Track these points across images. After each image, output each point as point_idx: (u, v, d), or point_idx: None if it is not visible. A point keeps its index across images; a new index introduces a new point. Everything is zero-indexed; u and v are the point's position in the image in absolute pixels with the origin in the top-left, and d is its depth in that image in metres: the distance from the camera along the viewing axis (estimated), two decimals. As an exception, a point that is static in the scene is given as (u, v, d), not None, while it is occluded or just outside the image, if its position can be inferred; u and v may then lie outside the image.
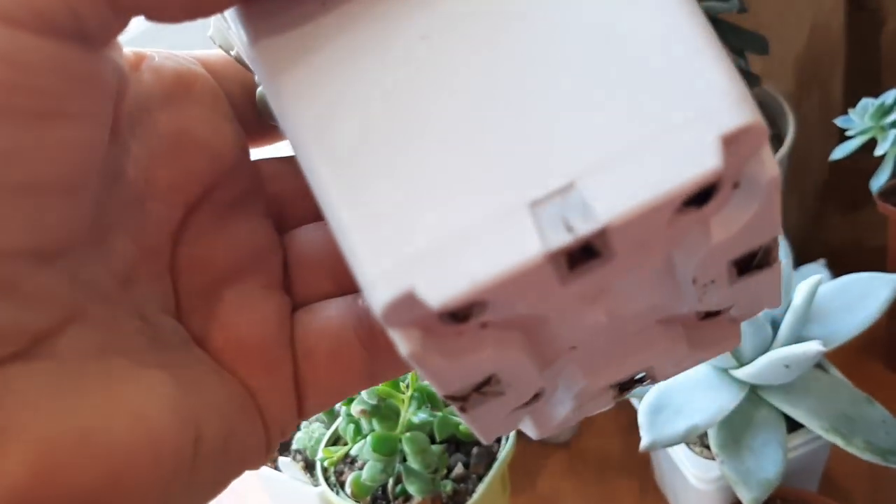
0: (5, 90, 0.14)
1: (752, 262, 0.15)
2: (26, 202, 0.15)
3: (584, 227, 0.13)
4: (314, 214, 0.20)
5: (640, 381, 0.18)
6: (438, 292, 0.13)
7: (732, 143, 0.13)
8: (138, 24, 0.16)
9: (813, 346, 0.42)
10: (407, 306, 0.13)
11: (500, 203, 0.13)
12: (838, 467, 0.53)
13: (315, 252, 0.20)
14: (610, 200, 0.13)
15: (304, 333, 0.20)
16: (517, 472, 0.60)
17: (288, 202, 0.21)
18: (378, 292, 0.13)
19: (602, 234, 0.13)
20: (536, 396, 0.17)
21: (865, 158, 0.54)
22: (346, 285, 0.20)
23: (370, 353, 0.19)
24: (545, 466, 0.61)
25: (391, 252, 0.13)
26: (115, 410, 0.16)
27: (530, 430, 0.18)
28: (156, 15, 0.15)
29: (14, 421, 0.14)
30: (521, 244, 0.13)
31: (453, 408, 0.16)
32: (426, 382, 0.45)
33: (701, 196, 0.13)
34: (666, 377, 0.18)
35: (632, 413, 0.60)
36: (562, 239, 0.13)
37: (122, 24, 0.15)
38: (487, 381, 0.15)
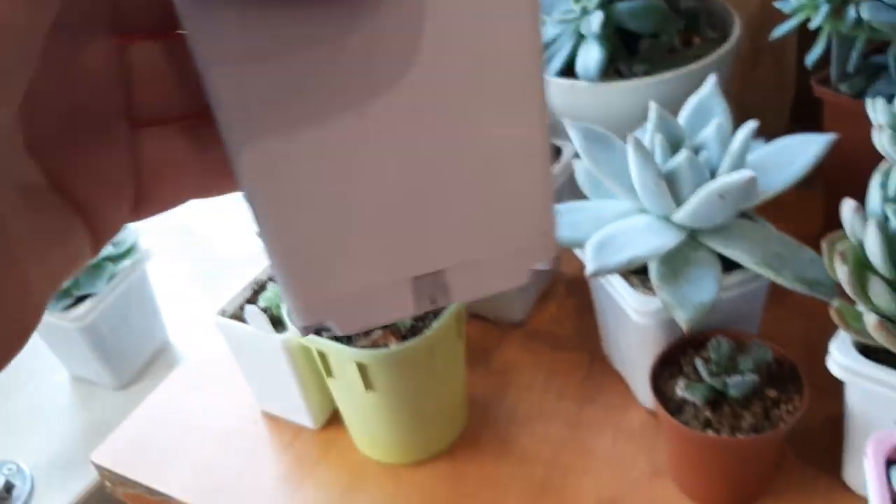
0: None
1: None
2: None
3: (442, 301, 0.21)
4: (153, 24, 0.22)
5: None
6: (341, 327, 0.20)
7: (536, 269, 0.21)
8: None
9: (745, 174, 0.46)
10: (315, 327, 0.20)
11: (394, 274, 0.20)
12: (773, 321, 0.56)
13: (158, 72, 0.22)
14: (460, 288, 0.21)
15: (149, 150, 0.21)
16: (474, 351, 0.62)
17: (128, 13, 0.22)
18: (300, 320, 0.20)
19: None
20: None
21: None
22: (185, 103, 0.22)
23: (203, 171, 0.22)
24: (500, 345, 0.63)
25: (313, 294, 0.20)
26: None
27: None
28: None
29: None
30: (401, 305, 0.20)
31: None
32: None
33: None
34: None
35: (581, 298, 0.63)
36: (426, 307, 0.20)
37: None
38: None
